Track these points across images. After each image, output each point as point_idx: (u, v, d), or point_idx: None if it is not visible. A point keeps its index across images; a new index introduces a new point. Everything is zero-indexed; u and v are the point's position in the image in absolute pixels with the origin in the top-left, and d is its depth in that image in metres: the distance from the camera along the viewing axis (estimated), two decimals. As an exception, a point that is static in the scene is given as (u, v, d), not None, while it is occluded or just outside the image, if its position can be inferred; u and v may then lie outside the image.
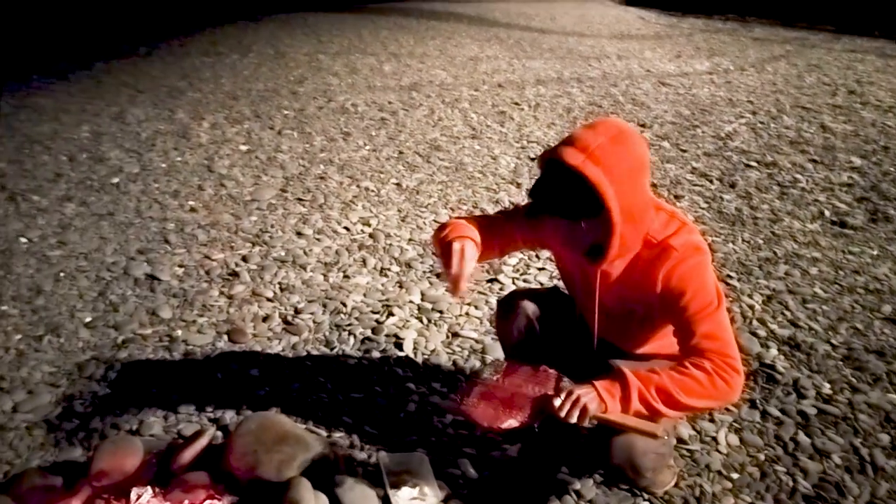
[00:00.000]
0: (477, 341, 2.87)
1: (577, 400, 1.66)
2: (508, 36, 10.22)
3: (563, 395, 1.69)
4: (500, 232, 1.99)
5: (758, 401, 2.44)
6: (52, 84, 7.23)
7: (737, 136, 5.34)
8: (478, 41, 9.72)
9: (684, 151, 5.06)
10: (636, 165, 1.65)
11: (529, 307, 2.12)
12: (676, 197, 4.19)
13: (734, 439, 2.29)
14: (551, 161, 1.65)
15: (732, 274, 3.26)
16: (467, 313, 3.07)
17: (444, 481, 2.13)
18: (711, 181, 4.42)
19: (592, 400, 1.67)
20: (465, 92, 6.95)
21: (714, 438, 2.29)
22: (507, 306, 2.18)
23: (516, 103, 6.52)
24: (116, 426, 2.43)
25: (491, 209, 4.10)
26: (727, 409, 2.39)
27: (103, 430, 2.42)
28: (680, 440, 2.27)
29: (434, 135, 5.57)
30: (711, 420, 2.35)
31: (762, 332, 2.81)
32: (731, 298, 3.06)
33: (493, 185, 4.54)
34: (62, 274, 3.46)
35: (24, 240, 3.81)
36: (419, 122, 5.91)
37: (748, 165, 4.67)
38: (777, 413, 2.39)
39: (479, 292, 3.23)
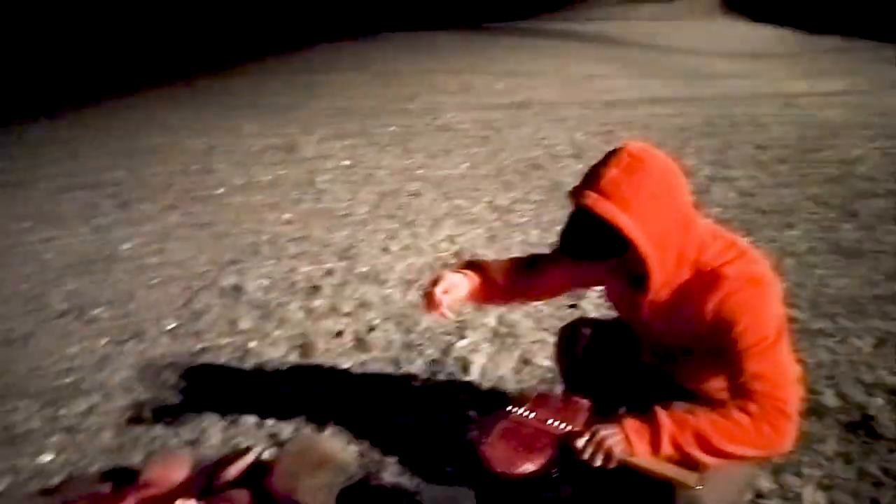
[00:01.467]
0: (549, 370, 2.71)
1: (602, 442, 1.52)
2: (628, 54, 9.93)
3: (586, 436, 1.55)
4: (528, 273, 1.90)
5: (854, 456, 2.15)
6: (178, 98, 7.66)
7: (865, 162, 4.87)
8: (595, 59, 9.51)
9: (804, 176, 4.66)
10: (659, 190, 1.51)
11: (589, 335, 1.96)
12: (788, 225, 3.85)
13: (821, 498, 2.02)
14: (572, 201, 1.56)
15: (841, 311, 2.92)
16: (542, 340, 2.91)
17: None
18: (830, 209, 4.03)
19: (618, 443, 1.52)
20: (575, 110, 6.77)
21: (798, 495, 2.02)
22: (567, 333, 2.04)
23: (626, 122, 6.28)
24: (178, 435, 2.45)
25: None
26: (818, 464, 2.11)
27: (165, 438, 2.44)
28: (758, 494, 2.02)
29: (535, 153, 5.43)
30: (797, 474, 2.08)
31: (868, 379, 2.49)
32: (836, 338, 2.74)
33: (591, 206, 4.34)
34: (155, 281, 3.58)
35: (127, 246, 3.99)
36: (522, 140, 5.80)
37: (874, 194, 4.23)
38: (877, 472, 2.08)
39: (559, 318, 3.06)
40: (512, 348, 2.86)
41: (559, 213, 4.21)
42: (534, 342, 2.90)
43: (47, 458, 2.37)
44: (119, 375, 2.81)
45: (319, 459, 2.03)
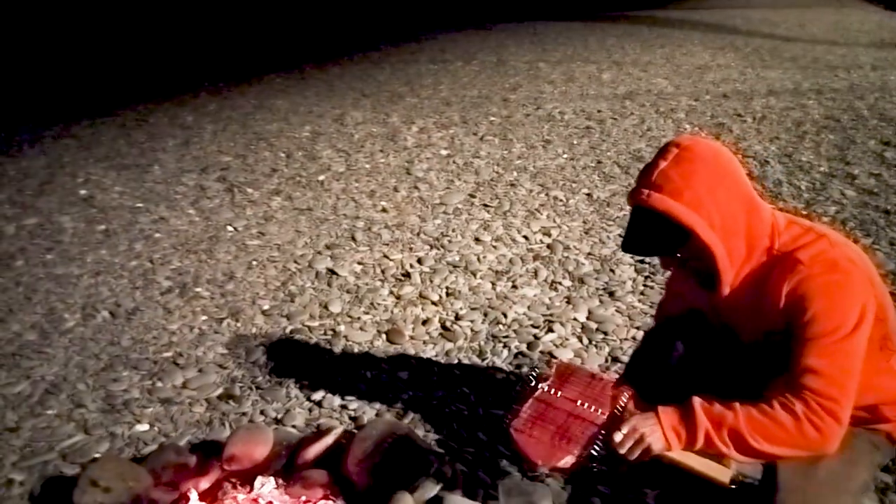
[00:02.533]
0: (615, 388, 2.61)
1: (642, 438, 1.52)
2: (746, 44, 9.45)
3: (624, 430, 1.54)
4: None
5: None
6: (290, 86, 7.88)
7: None
8: (710, 49, 9.10)
9: (938, 175, 4.30)
10: (713, 177, 1.49)
11: (671, 341, 1.88)
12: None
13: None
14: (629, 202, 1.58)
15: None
16: (634, 338, 2.81)
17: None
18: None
19: (657, 440, 1.51)
20: (684, 102, 6.51)
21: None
22: (654, 344, 1.98)
23: (739, 115, 5.98)
24: (264, 413, 2.51)
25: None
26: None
27: (252, 415, 2.51)
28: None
29: (639, 145, 5.26)
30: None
31: None
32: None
33: (695, 201, 4.16)
34: (254, 262, 3.69)
35: (230, 228, 4.13)
36: (626, 131, 5.62)
37: None
38: None
39: (652, 316, 2.94)
40: (601, 345, 2.77)
41: (660, 208, 4.05)
42: (624, 339, 2.81)
43: (143, 427, 2.48)
44: (214, 352, 2.91)
45: (397, 445, 2.02)
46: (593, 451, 1.55)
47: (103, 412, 2.56)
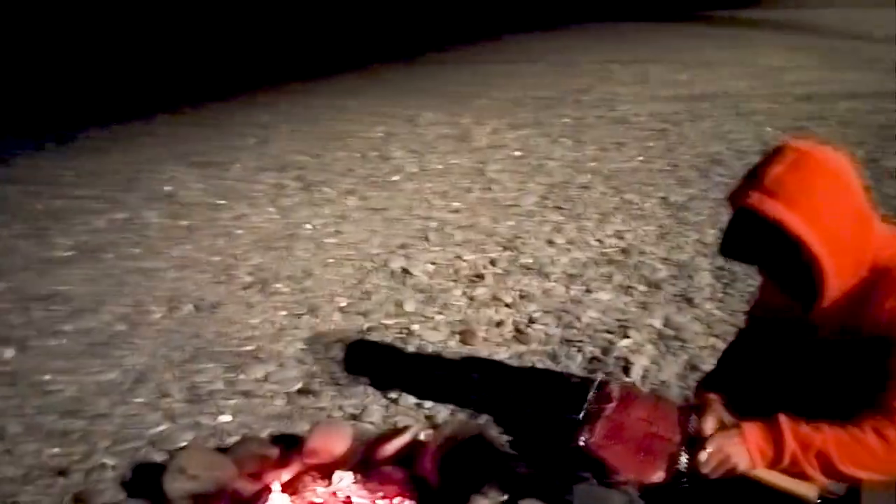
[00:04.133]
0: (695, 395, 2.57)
1: (727, 458, 1.49)
2: (825, 44, 9.15)
3: (710, 448, 1.51)
4: None
5: None
6: (362, 87, 8.00)
7: None
8: (787, 49, 8.85)
9: None
10: (831, 188, 1.40)
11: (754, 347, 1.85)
12: None
13: None
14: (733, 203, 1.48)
15: None
16: (713, 346, 2.76)
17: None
18: None
19: (743, 459, 1.49)
20: (763, 104, 6.35)
21: None
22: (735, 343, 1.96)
23: (822, 118, 5.80)
24: (341, 408, 2.57)
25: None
26: None
27: (330, 410, 2.57)
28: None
29: (717, 148, 5.15)
30: None
31: None
32: None
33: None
34: (331, 260, 3.77)
35: (308, 226, 4.24)
36: (702, 134, 5.52)
37: None
38: None
39: (732, 324, 2.89)
40: (678, 352, 2.74)
41: (739, 213, 3.97)
42: (703, 347, 2.76)
43: (226, 418, 2.57)
44: (293, 347, 2.99)
45: (471, 447, 2.05)
46: (679, 468, 1.53)
47: (188, 402, 2.67)
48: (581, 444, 1.60)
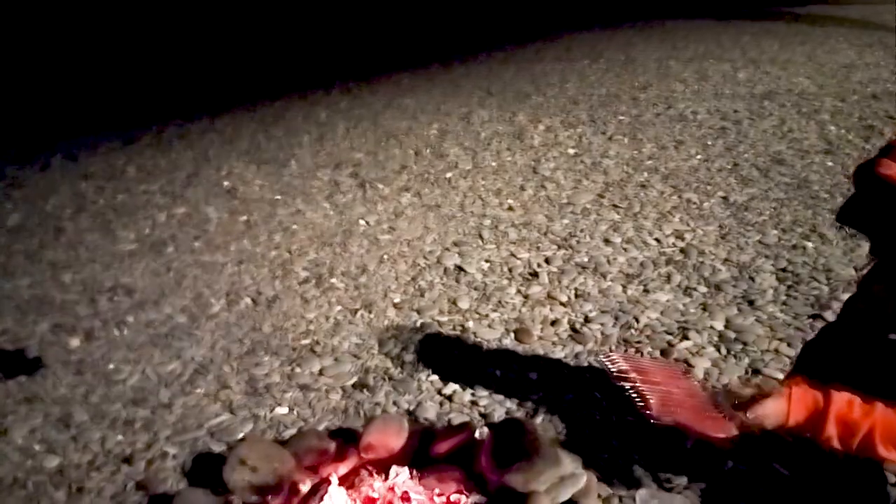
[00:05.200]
0: (781, 382, 2.49)
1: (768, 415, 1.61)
2: (893, 41, 8.81)
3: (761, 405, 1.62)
4: None
5: None
6: (417, 85, 8.02)
7: None
8: (856, 46, 8.54)
9: None
10: None
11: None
12: None
13: None
14: (863, 173, 1.49)
15: None
16: (777, 350, 2.68)
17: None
18: None
19: (777, 418, 1.60)
20: (828, 102, 6.14)
21: None
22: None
23: (892, 117, 5.58)
24: (396, 404, 2.58)
25: (832, 234, 3.55)
26: None
27: (385, 405, 2.58)
28: None
29: (779, 147, 5.01)
30: None
31: None
32: None
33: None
34: (385, 257, 3.79)
35: (363, 223, 4.26)
36: (764, 132, 5.37)
37: None
38: None
39: (797, 328, 2.81)
40: (740, 355, 2.66)
41: (804, 213, 3.86)
42: (766, 351, 2.68)
43: (283, 411, 2.60)
44: (349, 342, 3.01)
45: (532, 446, 2.02)
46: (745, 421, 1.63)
47: (246, 394, 2.71)
48: (652, 420, 1.69)
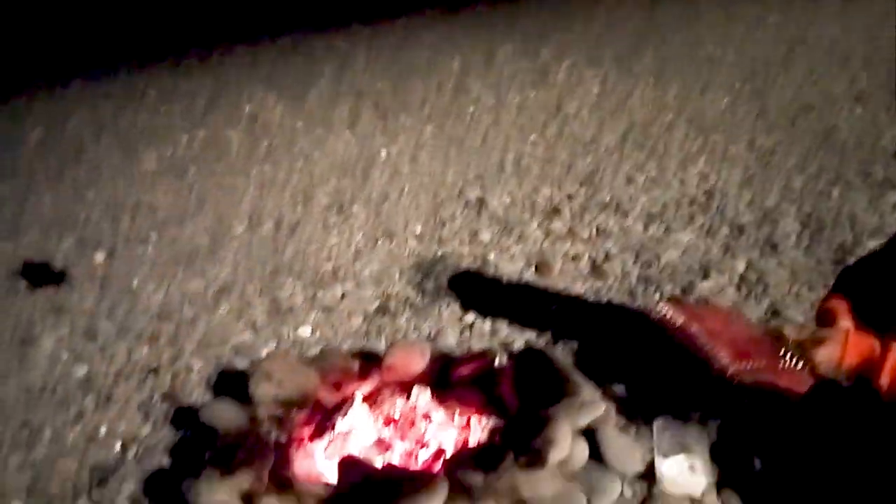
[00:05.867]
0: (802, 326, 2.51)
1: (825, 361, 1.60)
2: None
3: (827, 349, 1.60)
4: None
5: None
6: (438, 19, 7.86)
7: None
8: (892, -7, 8.30)
9: None
10: None
11: None
12: None
13: None
14: None
15: None
16: (797, 294, 2.69)
17: (721, 465, 1.92)
18: None
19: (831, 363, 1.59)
20: (860, 51, 5.96)
21: None
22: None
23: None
24: (417, 329, 2.61)
25: (858, 182, 3.51)
26: None
27: (406, 331, 2.62)
28: None
29: (808, 94, 4.91)
30: None
31: None
32: None
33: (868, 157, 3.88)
34: (407, 188, 3.78)
35: (384, 153, 4.24)
36: (794, 78, 5.26)
37: None
38: None
39: (819, 273, 2.81)
40: (761, 297, 2.68)
41: (831, 161, 3.81)
42: (786, 294, 2.69)
43: (306, 331, 2.65)
44: (370, 268, 3.04)
45: (550, 374, 2.06)
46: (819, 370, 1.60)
47: (269, 314, 2.75)
48: (730, 376, 1.62)
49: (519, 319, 2.62)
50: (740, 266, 2.89)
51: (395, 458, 1.93)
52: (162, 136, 4.62)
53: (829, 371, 1.60)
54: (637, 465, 1.91)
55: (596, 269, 2.95)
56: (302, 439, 2.01)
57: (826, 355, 1.58)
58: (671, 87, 5.18)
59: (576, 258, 3.04)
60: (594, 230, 3.26)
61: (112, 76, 5.99)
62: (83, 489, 2.01)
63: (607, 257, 3.03)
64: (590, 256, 3.05)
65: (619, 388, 2.21)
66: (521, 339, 2.51)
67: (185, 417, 2.22)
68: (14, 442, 2.21)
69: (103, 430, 2.23)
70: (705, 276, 2.82)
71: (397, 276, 2.98)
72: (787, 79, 5.28)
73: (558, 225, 3.31)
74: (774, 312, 2.58)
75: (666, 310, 1.80)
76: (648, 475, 1.90)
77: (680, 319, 1.75)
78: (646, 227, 3.25)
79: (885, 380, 1.54)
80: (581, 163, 3.98)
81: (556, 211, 3.45)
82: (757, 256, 2.96)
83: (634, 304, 2.70)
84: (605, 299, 2.75)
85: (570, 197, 3.58)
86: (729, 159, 3.92)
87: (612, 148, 4.16)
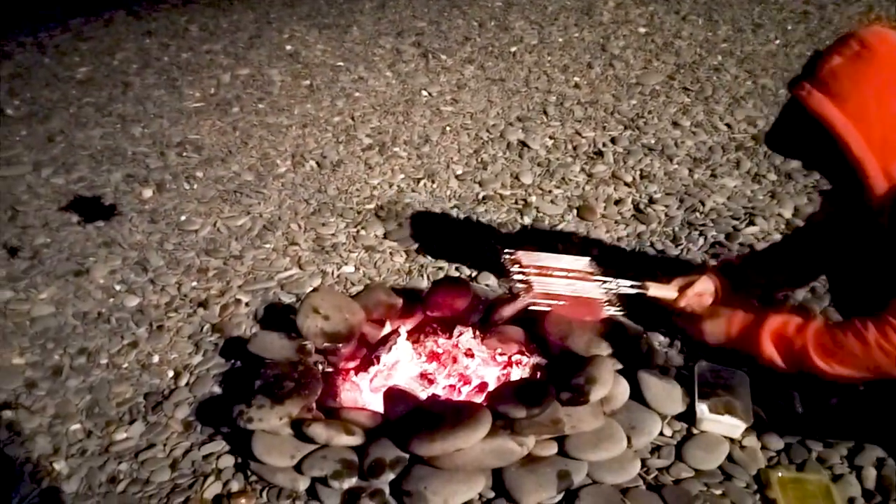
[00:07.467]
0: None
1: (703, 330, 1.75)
2: None
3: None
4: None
5: None
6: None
7: None
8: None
9: None
10: (890, 86, 1.31)
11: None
12: None
13: None
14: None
15: None
16: (844, 240, 2.64)
17: (761, 408, 1.93)
18: None
19: (717, 336, 1.72)
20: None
21: None
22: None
23: None
24: (458, 269, 2.64)
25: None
26: None
27: (448, 270, 2.64)
28: None
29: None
30: None
31: None
32: None
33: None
34: (448, 128, 3.77)
35: (425, 93, 4.21)
36: (850, 19, 5.07)
37: None
38: None
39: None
40: (807, 243, 2.64)
41: (885, 106, 3.69)
42: (833, 241, 2.65)
43: (349, 269, 2.69)
44: (412, 209, 3.06)
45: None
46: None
47: (314, 251, 2.80)
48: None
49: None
50: (787, 212, 2.85)
51: (439, 391, 1.97)
52: (205, 72, 4.65)
53: (718, 343, 1.72)
54: (677, 406, 1.93)
55: (639, 213, 2.93)
56: (348, 371, 2.06)
57: (711, 329, 1.72)
58: (720, 27, 5.03)
59: (619, 202, 3.02)
60: (638, 174, 3.23)
61: (154, 11, 6.00)
62: (139, 413, 2.10)
63: (651, 201, 3.01)
64: (633, 200, 3.03)
65: (661, 333, 2.23)
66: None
67: (234, 348, 2.29)
68: (73, 367, 2.30)
69: (156, 358, 2.32)
70: (751, 222, 2.79)
71: (439, 217, 3.00)
72: (843, 19, 5.09)
73: (601, 168, 3.29)
74: (820, 259, 2.55)
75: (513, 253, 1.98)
76: (688, 416, 1.92)
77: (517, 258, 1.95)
78: (691, 172, 3.21)
79: (767, 345, 1.57)
80: (625, 105, 3.91)
81: (599, 154, 3.41)
82: (804, 203, 2.91)
83: (677, 250, 2.68)
84: (647, 244, 2.74)
85: (613, 140, 3.54)
86: (779, 103, 3.80)
87: (658, 90, 4.08)
